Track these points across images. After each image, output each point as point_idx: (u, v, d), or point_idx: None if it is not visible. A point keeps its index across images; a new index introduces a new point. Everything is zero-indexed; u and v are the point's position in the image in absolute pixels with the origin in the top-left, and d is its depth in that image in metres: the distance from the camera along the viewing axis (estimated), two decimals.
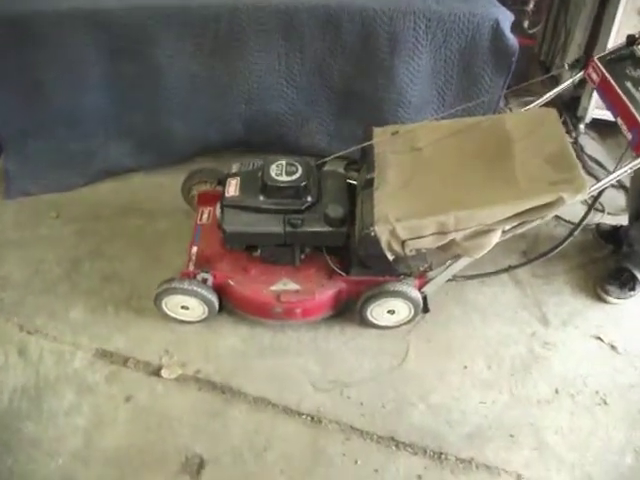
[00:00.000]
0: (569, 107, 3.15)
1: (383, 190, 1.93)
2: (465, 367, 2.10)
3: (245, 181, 2.06)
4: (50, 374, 2.01)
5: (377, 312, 2.11)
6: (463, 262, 1.96)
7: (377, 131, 2.16)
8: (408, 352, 2.12)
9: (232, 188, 2.05)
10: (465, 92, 2.52)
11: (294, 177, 2.01)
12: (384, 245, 1.88)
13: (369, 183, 1.96)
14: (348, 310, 2.17)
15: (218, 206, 2.06)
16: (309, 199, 2.01)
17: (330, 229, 1.99)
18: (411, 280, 2.05)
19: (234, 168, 2.15)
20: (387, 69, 2.40)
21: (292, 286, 2.09)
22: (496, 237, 1.84)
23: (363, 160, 2.12)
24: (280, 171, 2.03)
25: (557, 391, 2.04)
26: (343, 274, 2.08)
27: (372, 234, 1.83)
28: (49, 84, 2.38)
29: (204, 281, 2.07)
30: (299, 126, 2.60)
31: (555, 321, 2.26)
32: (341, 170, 2.17)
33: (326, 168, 2.26)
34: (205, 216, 2.32)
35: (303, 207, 2.00)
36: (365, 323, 2.15)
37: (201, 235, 2.25)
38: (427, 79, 2.46)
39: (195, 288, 2.01)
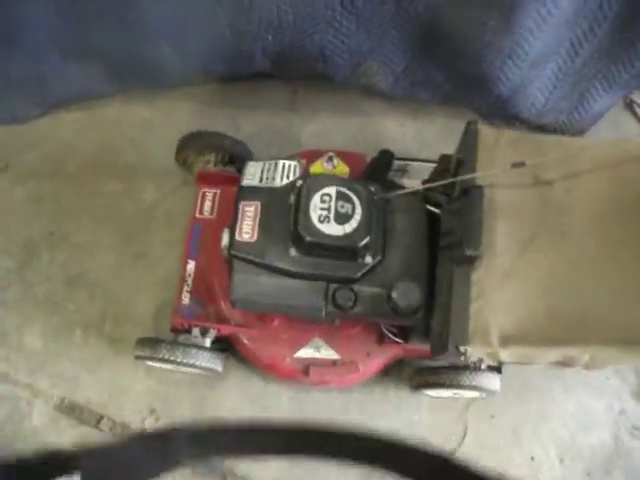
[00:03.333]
0: None
1: (487, 267, 1.22)
2: (532, 459, 1.64)
3: (269, 213, 1.34)
4: (5, 430, 1.55)
5: (437, 393, 1.59)
6: None
7: (485, 135, 1.33)
8: (465, 434, 1.65)
9: (247, 225, 1.33)
10: (610, 50, 1.60)
11: (349, 227, 1.28)
12: (472, 360, 1.28)
13: (468, 259, 1.23)
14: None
15: (225, 234, 1.37)
16: (368, 260, 1.31)
17: (396, 316, 1.34)
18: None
19: (249, 175, 1.40)
20: (507, 7, 1.47)
21: (327, 353, 1.51)
22: None
23: (459, 192, 1.31)
24: (326, 212, 1.29)
25: None
26: (400, 341, 1.50)
27: (460, 353, 1.20)
28: None
29: (203, 335, 1.49)
30: (353, 65, 1.71)
31: None
32: (417, 196, 1.39)
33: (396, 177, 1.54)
34: (207, 205, 1.62)
35: (358, 275, 1.32)
36: (415, 392, 1.64)
37: (200, 239, 1.58)
38: (562, 26, 1.54)
39: (189, 360, 1.42)
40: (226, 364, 1.54)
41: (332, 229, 1.28)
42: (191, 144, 1.64)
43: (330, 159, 1.64)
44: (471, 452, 1.62)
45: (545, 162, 1.28)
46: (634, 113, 2.05)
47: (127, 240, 1.74)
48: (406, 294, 1.29)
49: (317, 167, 1.63)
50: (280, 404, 1.62)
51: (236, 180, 1.59)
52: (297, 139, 1.90)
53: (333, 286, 1.31)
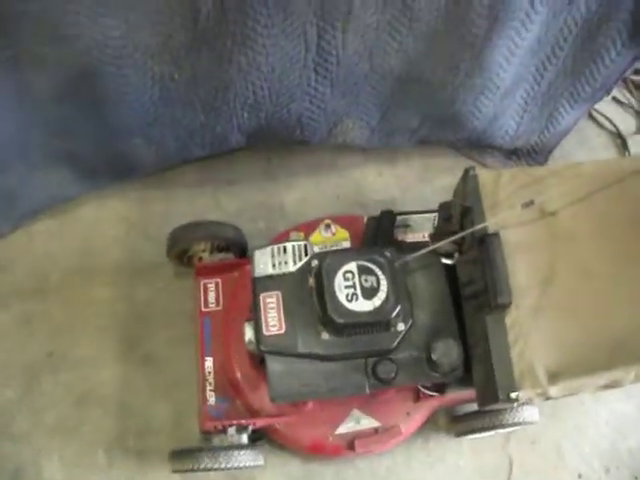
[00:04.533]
0: None
1: (518, 310, 1.22)
2: (580, 476, 1.65)
3: (291, 300, 1.29)
4: None
5: (480, 434, 1.57)
6: None
7: (485, 180, 1.33)
8: (512, 468, 1.64)
9: (272, 318, 1.28)
10: (573, 68, 1.66)
11: (377, 300, 1.25)
12: (522, 401, 1.27)
13: (499, 307, 1.22)
14: None
15: (248, 328, 1.32)
16: (401, 327, 1.29)
17: (437, 376, 1.32)
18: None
19: (260, 265, 1.33)
20: (478, 49, 1.49)
21: (368, 422, 1.47)
22: None
23: (473, 241, 1.30)
24: (352, 289, 1.25)
25: None
26: (436, 394, 1.48)
27: (513, 399, 1.18)
28: None
29: (239, 432, 1.42)
30: (330, 126, 1.70)
31: None
32: (431, 253, 1.34)
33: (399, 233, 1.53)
34: (212, 296, 1.56)
35: (394, 344, 1.29)
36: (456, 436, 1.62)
37: (213, 332, 1.52)
38: (527, 54, 1.58)
39: (233, 464, 1.35)
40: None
41: (362, 306, 1.25)
42: (186, 237, 1.57)
43: (328, 226, 1.61)
44: None
45: (547, 194, 1.29)
46: (596, 121, 2.15)
47: (129, 346, 1.66)
48: (446, 353, 1.28)
49: (316, 237, 1.60)
50: None
51: (234, 266, 1.57)
52: (281, 208, 1.87)
53: (371, 360, 1.28)
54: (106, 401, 1.60)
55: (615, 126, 2.15)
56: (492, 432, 1.54)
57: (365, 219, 1.60)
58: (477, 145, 1.93)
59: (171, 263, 1.67)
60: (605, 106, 2.15)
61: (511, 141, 1.88)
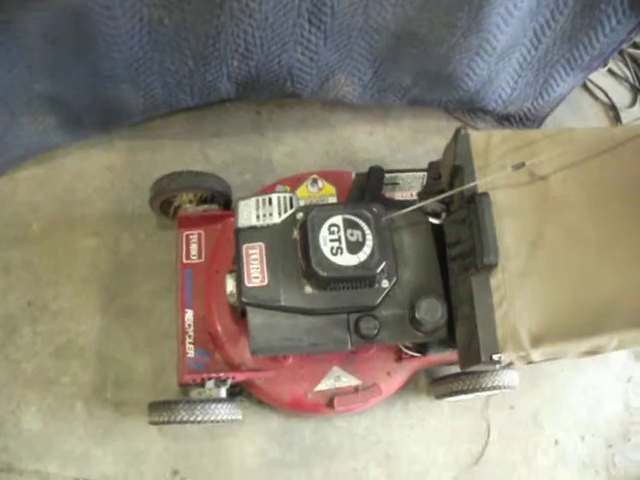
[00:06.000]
0: None
1: (504, 272, 1.21)
2: (556, 442, 1.68)
3: (274, 253, 1.27)
4: None
5: (459, 397, 1.58)
6: None
7: (476, 140, 1.30)
8: (490, 433, 1.65)
9: (254, 269, 1.25)
10: (571, 34, 1.62)
11: (362, 254, 1.24)
12: (503, 364, 1.27)
13: (485, 267, 1.20)
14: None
15: (230, 279, 1.31)
16: (385, 284, 1.27)
17: (420, 335, 1.30)
18: None
19: (244, 215, 1.31)
20: (476, 5, 1.45)
21: (348, 380, 1.47)
22: None
23: (462, 200, 1.27)
24: (338, 243, 1.24)
25: None
26: (418, 355, 1.47)
27: (495, 360, 1.18)
28: None
29: (218, 386, 1.41)
30: (322, 80, 1.66)
31: None
32: (418, 212, 1.32)
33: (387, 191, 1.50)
34: (194, 248, 1.53)
35: (377, 301, 1.27)
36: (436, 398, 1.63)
37: (194, 285, 1.49)
38: (525, 17, 1.55)
39: (210, 417, 1.34)
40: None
41: (347, 260, 1.23)
42: (168, 187, 1.52)
43: (314, 181, 1.59)
44: (498, 451, 1.64)
45: (535, 150, 1.29)
46: (590, 92, 2.13)
47: (111, 298, 1.64)
48: (430, 311, 1.25)
49: (302, 191, 1.58)
50: (304, 438, 1.58)
51: (218, 218, 1.54)
52: (269, 162, 1.84)
53: (354, 316, 1.27)
54: (85, 352, 1.58)
55: (609, 98, 2.14)
56: (472, 395, 1.55)
57: (353, 175, 1.58)
58: (469, 108, 1.90)
59: (155, 214, 1.64)
60: (600, 77, 2.15)
61: (504, 105, 1.86)
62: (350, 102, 1.81)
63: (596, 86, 2.14)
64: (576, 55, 1.70)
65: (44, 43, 1.38)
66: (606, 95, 2.14)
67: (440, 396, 1.58)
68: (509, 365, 1.35)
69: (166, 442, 1.52)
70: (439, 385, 1.56)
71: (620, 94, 2.17)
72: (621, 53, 2.19)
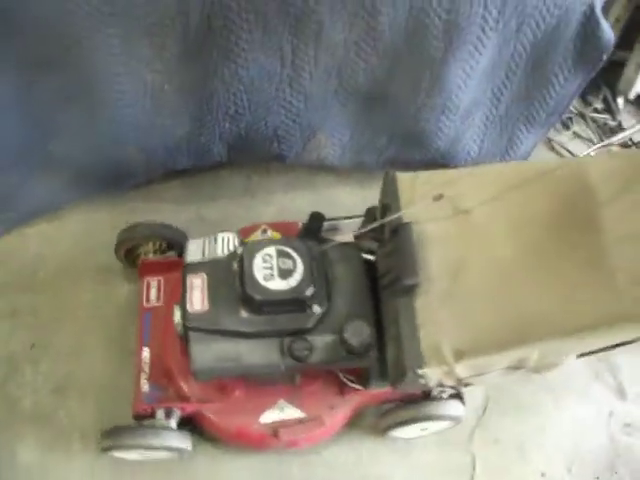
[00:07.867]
0: (607, 76, 2.36)
1: (427, 293, 1.30)
2: (543, 475, 1.70)
3: (216, 282, 1.40)
4: None
5: (406, 432, 1.62)
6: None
7: (402, 179, 1.46)
8: (475, 466, 1.69)
9: (197, 297, 1.38)
10: (526, 93, 1.84)
11: (293, 280, 1.36)
12: (432, 384, 1.33)
13: (408, 289, 1.31)
14: None
15: (177, 310, 1.39)
16: (316, 309, 1.38)
17: (351, 358, 1.38)
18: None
19: (192, 252, 1.47)
20: (436, 69, 1.67)
21: (292, 412, 1.52)
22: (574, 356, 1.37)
23: (389, 233, 1.42)
24: (270, 270, 1.37)
25: None
26: (359, 387, 1.52)
27: (418, 376, 1.25)
28: None
29: (167, 417, 1.47)
30: (304, 141, 1.87)
31: (632, 392, 1.86)
32: (351, 246, 1.51)
33: (329, 235, 1.63)
34: (153, 293, 1.66)
35: (309, 325, 1.37)
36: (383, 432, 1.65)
37: (152, 326, 1.61)
38: (483, 78, 1.76)
39: (159, 442, 1.42)
40: (196, 447, 1.55)
41: (277, 285, 1.35)
42: (129, 236, 1.69)
43: (264, 231, 1.71)
44: None
45: (462, 193, 1.42)
46: (555, 150, 2.35)
47: (110, 339, 1.74)
48: (356, 332, 1.35)
49: (254, 238, 1.68)
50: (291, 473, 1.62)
51: (177, 265, 1.59)
52: (258, 220, 1.97)
53: (288, 340, 1.36)
54: (84, 389, 1.66)
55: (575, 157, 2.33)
56: (419, 429, 1.60)
57: (299, 225, 1.70)
58: (443, 167, 2.08)
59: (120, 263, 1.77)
60: (567, 140, 2.35)
61: (474, 163, 2.04)
62: (332, 164, 2.00)
63: (563, 148, 2.35)
64: (533, 112, 1.89)
65: (60, 106, 1.59)
66: (572, 155, 2.33)
67: (387, 429, 1.61)
68: (441, 386, 1.41)
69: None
70: (384, 417, 1.60)
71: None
72: (584, 117, 2.42)
